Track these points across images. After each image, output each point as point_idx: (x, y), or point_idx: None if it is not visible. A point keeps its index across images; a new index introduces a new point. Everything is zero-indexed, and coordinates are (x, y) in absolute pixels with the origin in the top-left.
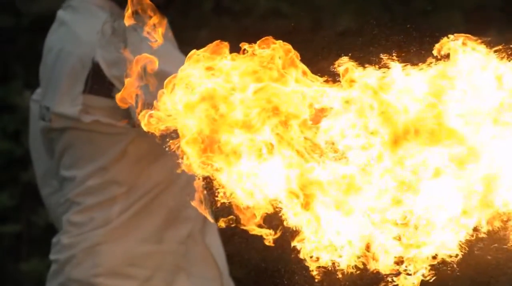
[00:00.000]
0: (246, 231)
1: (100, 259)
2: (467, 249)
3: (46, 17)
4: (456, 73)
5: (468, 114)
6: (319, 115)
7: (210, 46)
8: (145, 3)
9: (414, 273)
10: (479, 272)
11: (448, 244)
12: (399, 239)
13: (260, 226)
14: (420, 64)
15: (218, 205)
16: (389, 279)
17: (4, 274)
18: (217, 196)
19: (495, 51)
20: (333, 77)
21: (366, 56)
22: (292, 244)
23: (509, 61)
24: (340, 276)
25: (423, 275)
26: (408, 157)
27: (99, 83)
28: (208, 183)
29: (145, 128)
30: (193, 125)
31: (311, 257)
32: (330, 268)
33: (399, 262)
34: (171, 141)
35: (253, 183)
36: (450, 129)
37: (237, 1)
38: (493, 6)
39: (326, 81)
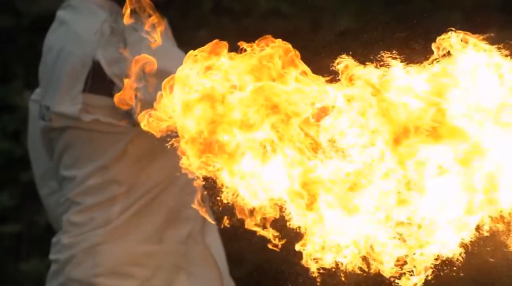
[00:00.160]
0: (246, 231)
1: (100, 259)
2: (470, 249)
3: (46, 17)
4: (456, 70)
5: (470, 112)
6: (321, 113)
7: (209, 45)
8: (144, 1)
9: (418, 273)
10: (482, 273)
11: (450, 244)
12: (402, 239)
13: (263, 227)
14: (419, 63)
15: (220, 205)
16: (392, 280)
17: (4, 274)
18: (218, 196)
19: (496, 48)
20: (333, 77)
21: (366, 56)
22: (296, 246)
23: (510, 57)
24: (342, 276)
25: (425, 276)
26: (410, 156)
27: (99, 82)
28: (209, 183)
29: (144, 129)
30: (193, 125)
31: (314, 258)
32: (332, 269)
33: (402, 262)
34: (173, 139)
35: (255, 182)
36: (452, 127)
37: (237, 1)
38: (493, 5)
39: (327, 80)
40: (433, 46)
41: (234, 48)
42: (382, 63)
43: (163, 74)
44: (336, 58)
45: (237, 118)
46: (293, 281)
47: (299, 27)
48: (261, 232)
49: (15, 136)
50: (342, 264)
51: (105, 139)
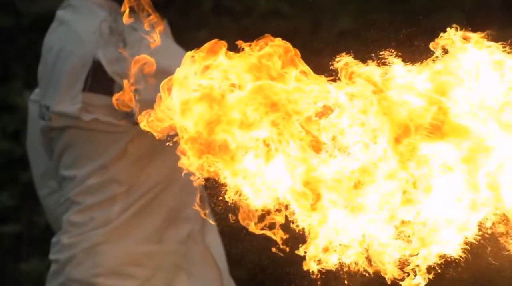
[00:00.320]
0: (247, 232)
1: (100, 259)
2: (472, 250)
3: (46, 17)
4: (458, 68)
5: (473, 110)
6: (327, 111)
7: (208, 45)
8: (144, 0)
9: (421, 274)
10: (484, 273)
11: (453, 244)
12: (404, 239)
13: (270, 229)
14: (419, 62)
15: (220, 205)
16: (395, 280)
17: (4, 274)
18: (219, 196)
19: (498, 45)
20: (334, 77)
21: (366, 56)
22: (300, 249)
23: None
24: (346, 279)
25: (427, 277)
26: (412, 155)
27: (99, 81)
28: (210, 183)
29: (144, 129)
30: (193, 125)
31: (317, 260)
32: (336, 270)
33: (405, 263)
34: (174, 139)
35: (257, 182)
36: (455, 125)
37: (237, 1)
38: (493, 5)
39: (328, 79)
40: (434, 44)
41: (234, 48)
42: (382, 61)
43: (164, 72)
44: (336, 58)
45: (237, 117)
46: (297, 283)
47: (299, 27)
48: (268, 233)
49: (15, 136)
50: (345, 264)
51: (105, 138)
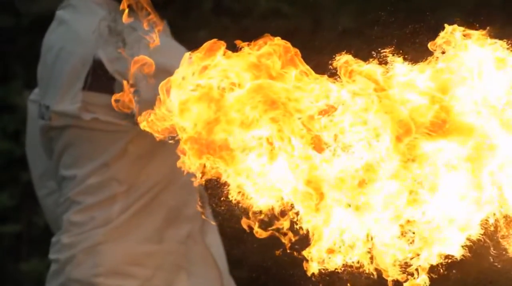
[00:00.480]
0: (249, 231)
1: (100, 259)
2: (474, 251)
3: (46, 17)
4: (458, 65)
5: (475, 108)
6: (330, 109)
7: (207, 45)
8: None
9: (424, 273)
10: (487, 274)
11: (455, 245)
12: (407, 239)
13: (270, 229)
14: (421, 60)
15: (221, 205)
16: (397, 280)
17: (4, 274)
18: (221, 197)
19: (499, 42)
20: (335, 77)
21: (367, 55)
22: (304, 252)
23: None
24: (345, 277)
25: (428, 277)
26: (413, 154)
27: (99, 80)
28: (211, 183)
29: (144, 129)
30: (192, 125)
31: (321, 261)
32: (339, 270)
33: (407, 264)
34: (175, 138)
35: (258, 182)
36: (458, 124)
37: (237, 1)
38: (494, 4)
39: (330, 79)
40: (435, 43)
41: (234, 48)
42: (384, 60)
43: (164, 72)
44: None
45: (237, 117)
46: (302, 284)
47: (299, 27)
48: (275, 235)
49: (15, 136)
50: (350, 265)
51: (105, 138)
